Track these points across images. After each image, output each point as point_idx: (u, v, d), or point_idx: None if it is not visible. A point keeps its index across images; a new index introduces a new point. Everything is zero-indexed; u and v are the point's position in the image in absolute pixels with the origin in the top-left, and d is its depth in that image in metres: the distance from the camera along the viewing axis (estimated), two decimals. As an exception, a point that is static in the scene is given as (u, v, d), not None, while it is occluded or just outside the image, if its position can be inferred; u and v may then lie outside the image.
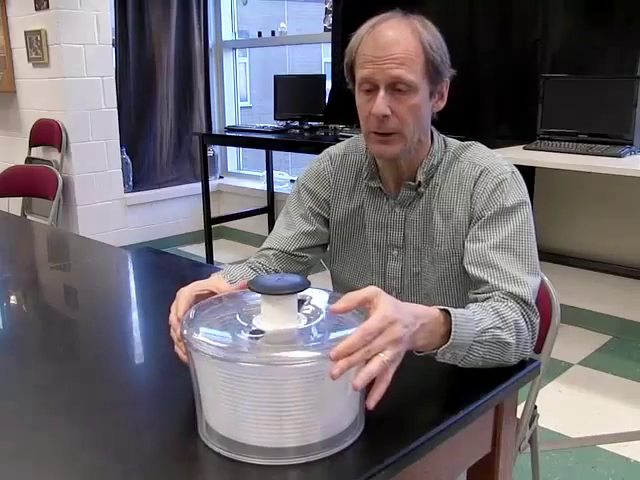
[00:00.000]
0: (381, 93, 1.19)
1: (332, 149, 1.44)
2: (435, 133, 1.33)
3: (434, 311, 0.97)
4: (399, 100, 1.20)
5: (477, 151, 1.31)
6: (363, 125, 1.27)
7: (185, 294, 1.05)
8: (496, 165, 1.26)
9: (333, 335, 0.88)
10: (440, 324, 0.97)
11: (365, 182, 1.36)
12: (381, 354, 0.84)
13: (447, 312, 0.99)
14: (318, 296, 0.97)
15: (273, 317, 0.89)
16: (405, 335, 0.87)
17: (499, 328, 1.04)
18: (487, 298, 1.15)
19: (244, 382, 0.83)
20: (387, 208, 1.34)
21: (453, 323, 0.98)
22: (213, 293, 1.05)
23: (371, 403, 0.84)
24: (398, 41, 1.18)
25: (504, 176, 1.24)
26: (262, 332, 0.88)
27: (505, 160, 1.29)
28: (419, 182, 1.29)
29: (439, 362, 1.00)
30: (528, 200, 1.25)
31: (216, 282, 1.08)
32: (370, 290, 0.89)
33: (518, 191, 1.24)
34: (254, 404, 0.83)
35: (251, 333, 0.88)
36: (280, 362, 0.82)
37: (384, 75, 1.18)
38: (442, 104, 1.29)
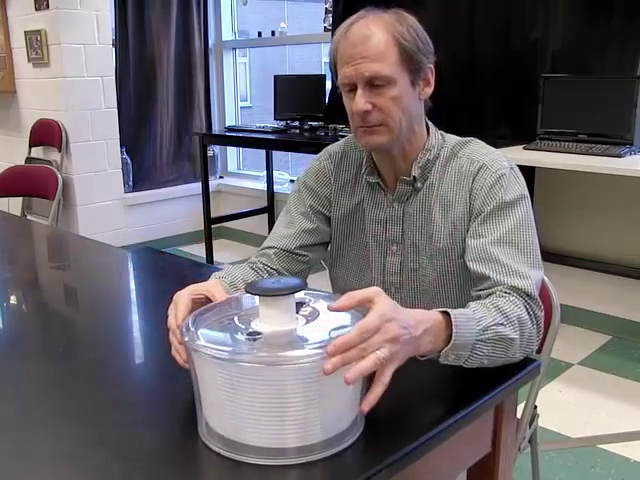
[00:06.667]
0: (359, 91, 1.21)
1: (331, 147, 1.44)
2: (432, 128, 1.34)
3: (435, 315, 0.97)
4: (379, 94, 1.21)
5: (476, 147, 1.31)
6: (350, 122, 1.29)
7: (183, 299, 1.06)
8: (494, 161, 1.26)
9: (332, 334, 0.88)
10: (442, 327, 0.97)
11: (364, 177, 1.36)
12: (377, 352, 0.83)
13: (447, 314, 0.99)
14: (317, 298, 0.97)
15: (271, 319, 0.89)
16: (404, 336, 0.87)
17: (501, 324, 1.04)
18: (490, 294, 1.14)
19: (244, 383, 0.83)
20: (386, 203, 1.34)
21: (454, 324, 0.97)
22: (209, 299, 1.06)
23: (365, 407, 0.84)
24: (368, 37, 1.20)
25: (503, 171, 1.24)
26: (259, 334, 0.88)
27: (504, 156, 1.29)
28: (414, 177, 1.30)
29: (439, 362, 1.00)
30: (527, 194, 1.25)
31: (212, 288, 1.08)
32: (371, 289, 0.89)
33: (517, 185, 1.24)
34: (254, 405, 0.83)
35: (248, 335, 0.88)
36: (280, 362, 0.82)
37: (359, 74, 1.20)
38: (429, 90, 1.29)
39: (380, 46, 1.19)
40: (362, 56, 1.19)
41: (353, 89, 1.23)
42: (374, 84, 1.20)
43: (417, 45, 1.22)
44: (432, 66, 1.27)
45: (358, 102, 1.21)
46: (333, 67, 1.28)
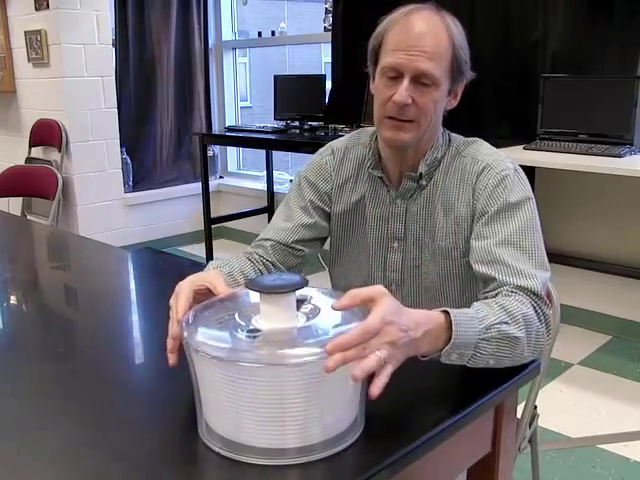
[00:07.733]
0: (405, 83, 1.20)
1: (334, 143, 1.44)
2: (440, 127, 1.34)
3: (437, 316, 0.96)
4: (421, 92, 1.21)
5: (480, 147, 1.31)
6: (378, 109, 1.26)
7: (185, 290, 1.04)
8: (499, 161, 1.26)
9: (332, 333, 0.87)
10: (443, 328, 0.97)
11: (368, 173, 1.36)
12: (377, 352, 0.83)
13: (448, 313, 0.98)
14: (318, 295, 0.97)
15: (272, 316, 0.89)
16: (402, 339, 0.86)
17: (505, 323, 1.03)
18: (496, 295, 1.13)
19: (244, 383, 0.83)
20: (388, 200, 1.34)
21: (453, 322, 0.97)
22: (210, 291, 1.05)
23: (375, 391, 0.82)
24: (431, 34, 1.19)
25: (507, 172, 1.24)
26: (259, 331, 0.88)
27: (508, 157, 1.29)
28: (420, 173, 1.30)
29: (439, 362, 0.99)
30: (532, 195, 1.25)
31: (214, 280, 1.07)
32: (375, 289, 0.88)
33: (521, 187, 1.24)
34: (254, 405, 0.83)
35: (248, 332, 0.88)
36: (280, 362, 0.82)
37: (412, 66, 1.19)
38: (454, 103, 1.30)
39: (441, 46, 1.20)
40: (422, 50, 1.18)
41: (396, 77, 1.21)
42: (420, 81, 1.20)
43: (465, 56, 1.24)
44: (465, 82, 1.28)
45: (402, 94, 1.19)
46: (375, 49, 1.25)
